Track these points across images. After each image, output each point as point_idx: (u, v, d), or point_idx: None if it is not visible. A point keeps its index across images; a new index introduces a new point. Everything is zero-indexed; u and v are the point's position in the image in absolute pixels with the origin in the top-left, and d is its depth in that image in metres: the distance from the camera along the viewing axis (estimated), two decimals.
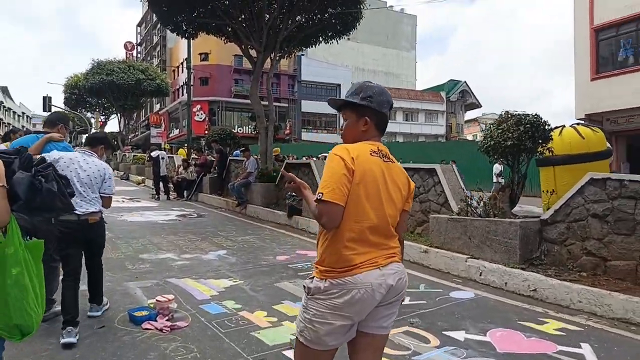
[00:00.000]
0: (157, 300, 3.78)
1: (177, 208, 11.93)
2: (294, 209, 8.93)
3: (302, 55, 47.14)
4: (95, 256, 3.81)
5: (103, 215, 3.71)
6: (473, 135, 72.13)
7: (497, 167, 14.35)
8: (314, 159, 22.44)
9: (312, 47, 12.31)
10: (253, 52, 11.73)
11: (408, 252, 6.17)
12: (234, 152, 16.38)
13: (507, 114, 5.95)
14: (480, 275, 5.13)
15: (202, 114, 45.16)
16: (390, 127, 43.16)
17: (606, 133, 18.90)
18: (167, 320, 3.67)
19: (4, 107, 67.41)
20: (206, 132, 41.75)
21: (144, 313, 3.70)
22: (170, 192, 14.53)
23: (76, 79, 33.97)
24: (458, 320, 3.93)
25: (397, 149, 27.18)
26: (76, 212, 3.31)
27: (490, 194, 6.32)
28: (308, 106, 51.35)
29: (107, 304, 4.00)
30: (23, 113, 76.99)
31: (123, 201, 13.12)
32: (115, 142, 30.56)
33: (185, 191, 14.21)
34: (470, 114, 72.56)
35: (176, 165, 16.75)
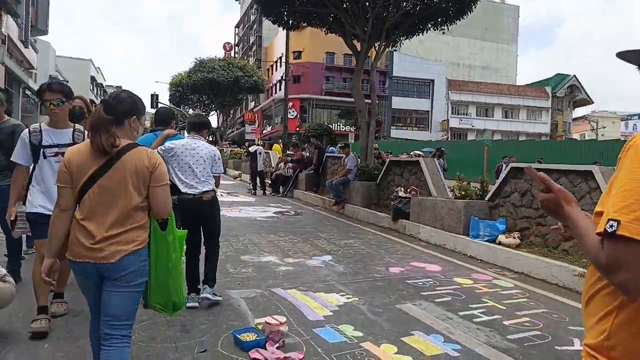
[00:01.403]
0: (266, 322, 3.14)
1: (273, 204, 11.62)
2: (400, 212, 8.03)
3: (395, 50, 45.71)
4: (212, 235, 4.11)
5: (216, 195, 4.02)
6: (580, 135, 65.24)
7: None
8: (406, 156, 21.25)
9: (419, 34, 11.22)
10: (357, 44, 10.98)
11: (556, 274, 5.00)
12: (329, 149, 15.86)
13: None
14: None
15: (294, 111, 45.65)
16: (488, 124, 40.32)
17: None
18: (277, 347, 3.02)
19: None
20: (298, 129, 42.20)
21: (252, 337, 3.08)
22: (267, 188, 14.37)
23: (180, 77, 36.05)
24: None
25: (515, 149, 24.87)
26: (192, 192, 3.80)
27: None
28: (398, 103, 49.76)
29: (220, 297, 4.03)
30: None
31: (222, 195, 13.15)
32: (214, 138, 31.83)
33: (280, 187, 13.95)
34: (579, 112, 65.83)
35: (272, 161, 16.66)
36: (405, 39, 10.89)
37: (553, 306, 4.26)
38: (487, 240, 6.22)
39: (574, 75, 59.68)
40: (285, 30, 12.75)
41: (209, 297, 3.89)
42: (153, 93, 32.66)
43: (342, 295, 4.32)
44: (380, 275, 5.16)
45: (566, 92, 58.85)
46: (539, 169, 6.19)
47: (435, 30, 11.24)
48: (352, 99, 46.18)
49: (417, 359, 3.03)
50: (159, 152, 3.53)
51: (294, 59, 46.20)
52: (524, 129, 55.78)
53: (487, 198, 6.87)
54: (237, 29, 73.86)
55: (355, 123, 45.63)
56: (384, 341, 3.28)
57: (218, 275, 4.74)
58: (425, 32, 11.32)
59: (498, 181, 6.73)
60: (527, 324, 3.79)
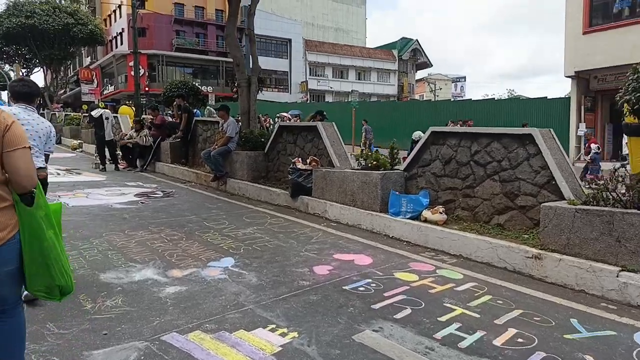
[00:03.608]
0: None
1: (132, 183, 9.38)
2: (300, 187, 6.81)
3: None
4: None
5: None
6: (420, 96, 71.78)
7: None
8: (274, 119, 20.02)
9: None
10: None
11: (503, 257, 4.33)
12: (195, 112, 13.71)
13: None
14: None
15: (141, 69, 40.53)
16: (344, 86, 41.46)
17: (591, 92, 18.11)
18: None
19: None
20: (147, 89, 37.52)
21: None
22: (119, 161, 11.78)
23: None
24: None
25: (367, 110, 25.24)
26: None
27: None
28: None
29: None
30: None
31: (58, 174, 10.31)
32: (42, 100, 26.26)
33: (137, 160, 11.54)
34: (419, 74, 71.90)
35: (122, 127, 13.84)
36: None
37: (524, 304, 3.52)
38: (409, 218, 5.38)
39: (416, 40, 64.46)
40: None
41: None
42: None
43: (273, 331, 2.94)
44: (308, 281, 3.88)
45: (410, 55, 63.38)
46: (464, 133, 5.49)
47: None
48: (207, 57, 42.69)
49: None
50: None
51: (137, 8, 40.57)
52: (375, 91, 58.91)
53: (402, 167, 6.01)
54: None
55: (212, 82, 42.68)
56: None
57: (64, 316, 2.99)
58: None
59: (416, 148, 5.89)
60: (519, 339, 2.94)
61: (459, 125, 14.37)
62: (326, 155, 7.14)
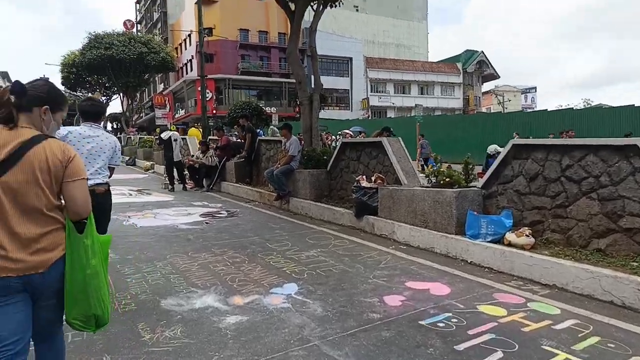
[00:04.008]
0: None
1: (198, 202, 9.49)
2: (366, 207, 6.43)
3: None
4: (103, 227, 3.56)
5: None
6: (487, 109, 68.92)
7: None
8: (336, 137, 19.81)
9: None
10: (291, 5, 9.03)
11: (608, 288, 3.67)
12: (259, 132, 13.85)
13: None
14: None
15: (209, 93, 42.36)
16: (406, 102, 40.56)
17: None
18: None
19: None
20: (215, 112, 39.07)
21: None
22: (187, 181, 12.08)
23: (73, 56, 31.18)
24: None
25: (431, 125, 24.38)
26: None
27: None
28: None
29: None
30: None
31: (130, 194, 10.70)
32: (119, 124, 28.08)
33: (204, 179, 11.76)
34: (486, 86, 69.34)
35: (190, 148, 14.27)
36: None
37: None
38: (490, 241, 4.82)
39: (482, 51, 62.43)
40: None
41: None
42: (42, 76, 27.93)
43: None
44: (378, 314, 3.48)
45: (475, 67, 61.39)
46: (552, 146, 4.88)
47: None
48: (271, 78, 43.77)
49: None
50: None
51: (205, 35, 42.66)
52: (440, 105, 57.47)
53: (480, 185, 5.46)
54: (137, 4, 67.29)
55: (275, 103, 43.66)
56: None
57: (121, 348, 2.81)
58: None
59: (495, 163, 5.33)
60: None
61: (564, 136, 13.17)
62: (392, 172, 6.73)
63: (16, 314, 1.79)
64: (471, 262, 4.85)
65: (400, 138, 7.08)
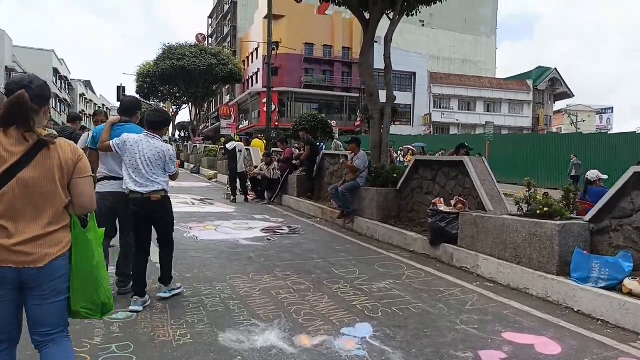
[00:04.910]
0: None
1: (259, 216, 9.18)
2: (443, 234, 5.75)
3: (376, 42, 43.49)
4: (163, 234, 3.98)
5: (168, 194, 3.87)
6: (557, 129, 64.80)
7: None
8: (397, 152, 19.03)
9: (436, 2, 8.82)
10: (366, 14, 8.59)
11: None
12: (320, 145, 13.46)
13: None
14: None
15: (272, 105, 42.99)
16: (470, 119, 38.70)
17: None
18: None
19: (87, 99, 70.92)
20: (277, 123, 39.57)
21: None
22: (249, 192, 11.89)
23: (148, 67, 32.82)
24: None
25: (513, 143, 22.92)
26: (141, 190, 3.66)
27: None
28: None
29: (179, 287, 4.11)
30: (103, 105, 79.97)
31: (193, 203, 10.64)
32: (187, 133, 29.02)
33: (265, 192, 11.51)
34: (558, 105, 65.43)
35: (253, 159, 14.16)
36: (423, 3, 8.52)
37: None
38: (603, 287, 4.00)
39: (555, 68, 59.11)
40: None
41: (165, 295, 3.92)
42: (119, 85, 29.56)
43: None
44: None
45: (547, 85, 58.21)
46: None
47: None
48: (332, 92, 43.78)
49: None
50: (113, 145, 3.73)
51: (272, 49, 43.51)
52: (506, 123, 54.86)
53: (588, 218, 4.63)
54: (210, 19, 70.39)
55: (336, 116, 43.56)
56: None
57: None
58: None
59: (610, 193, 4.49)
60: None
61: None
62: (474, 196, 6.01)
63: (1, 304, 1.85)
64: (578, 311, 4.04)
65: (484, 158, 6.34)
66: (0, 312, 1.84)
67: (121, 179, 3.79)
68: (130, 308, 3.60)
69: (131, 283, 3.85)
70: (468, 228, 5.45)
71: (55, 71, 49.45)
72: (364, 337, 3.35)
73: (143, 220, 3.76)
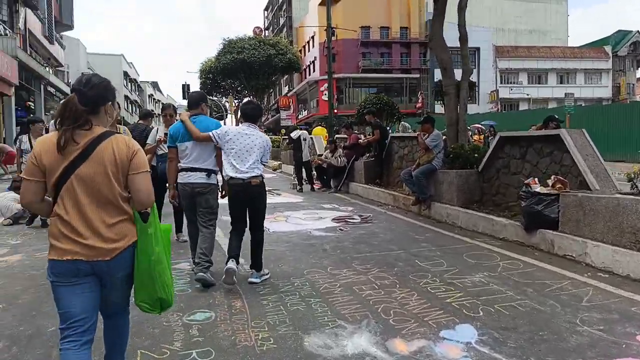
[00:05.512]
0: None
1: (328, 205, 8.89)
2: (541, 218, 5.09)
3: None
4: (256, 219, 4.21)
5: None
6: None
7: None
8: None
9: None
10: None
11: None
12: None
13: None
14: None
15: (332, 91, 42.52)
16: (542, 92, 35.62)
17: None
18: None
19: (154, 99, 74.73)
20: (335, 111, 39.16)
21: None
22: (314, 181, 11.65)
23: (209, 63, 33.65)
24: None
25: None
26: (242, 176, 3.97)
27: None
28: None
29: (267, 273, 4.26)
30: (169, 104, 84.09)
31: None
32: None
33: (331, 180, 11.20)
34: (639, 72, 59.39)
35: (316, 148, 13.89)
36: None
37: None
38: None
39: (638, 31, 53.57)
40: None
41: (256, 280, 4.10)
42: (184, 83, 30.57)
43: None
44: None
45: (629, 50, 53.03)
46: None
47: None
48: (391, 75, 42.44)
49: None
50: (213, 135, 4.00)
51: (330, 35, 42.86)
52: (582, 95, 50.53)
53: None
54: (266, 12, 71.06)
55: (396, 99, 42.33)
56: None
57: None
58: None
59: None
60: None
61: None
62: (575, 174, 5.27)
63: (84, 294, 1.93)
64: None
65: (584, 130, 5.55)
66: (84, 299, 1.93)
67: (202, 170, 4.05)
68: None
69: (208, 264, 4.03)
70: (572, 211, 4.77)
71: (125, 74, 52.34)
72: (469, 342, 2.90)
73: (242, 204, 4.07)
